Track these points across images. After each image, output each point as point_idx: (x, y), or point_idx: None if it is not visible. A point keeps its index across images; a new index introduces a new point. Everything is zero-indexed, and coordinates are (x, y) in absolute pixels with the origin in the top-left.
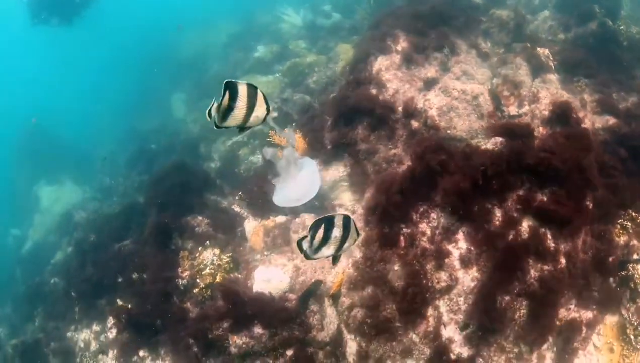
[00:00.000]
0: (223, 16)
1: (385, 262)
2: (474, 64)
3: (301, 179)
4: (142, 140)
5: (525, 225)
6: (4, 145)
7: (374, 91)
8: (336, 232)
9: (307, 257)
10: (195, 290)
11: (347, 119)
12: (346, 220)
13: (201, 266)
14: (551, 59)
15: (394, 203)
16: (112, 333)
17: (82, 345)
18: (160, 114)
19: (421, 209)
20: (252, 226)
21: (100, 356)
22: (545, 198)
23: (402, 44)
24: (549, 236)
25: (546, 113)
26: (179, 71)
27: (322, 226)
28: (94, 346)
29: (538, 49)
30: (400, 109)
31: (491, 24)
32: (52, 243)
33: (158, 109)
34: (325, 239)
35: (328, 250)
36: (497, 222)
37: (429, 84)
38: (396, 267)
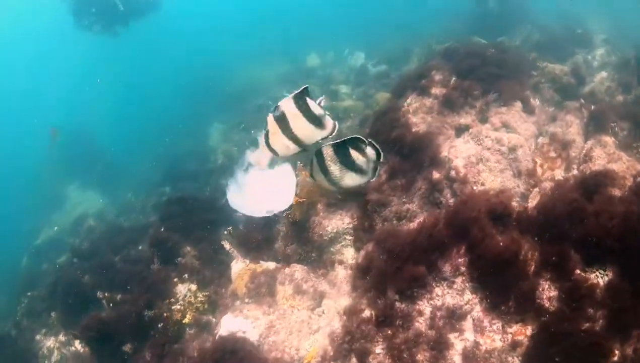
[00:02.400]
0: (279, 53)
1: (367, 340)
2: (518, 118)
3: (272, 181)
4: (173, 163)
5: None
6: (43, 144)
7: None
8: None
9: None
10: (160, 325)
11: None
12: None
13: (172, 300)
14: (608, 119)
15: (397, 267)
16: (76, 347)
17: (45, 351)
18: (196, 139)
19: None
20: (239, 267)
21: None
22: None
23: (437, 87)
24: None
25: None
26: (223, 101)
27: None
28: (55, 356)
29: (593, 107)
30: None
31: (542, 78)
32: (62, 244)
33: (196, 134)
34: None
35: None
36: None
37: (461, 133)
38: (379, 350)
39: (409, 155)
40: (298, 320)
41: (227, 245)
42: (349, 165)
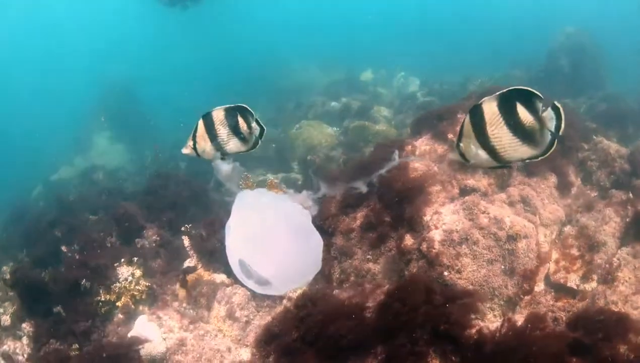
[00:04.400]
0: (340, 61)
1: None
2: (547, 196)
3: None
4: None
5: None
6: (90, 95)
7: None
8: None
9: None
10: (94, 299)
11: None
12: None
13: (112, 278)
14: None
15: (297, 348)
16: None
17: (1, 284)
18: None
19: None
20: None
21: (7, 304)
22: None
23: (457, 131)
24: None
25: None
26: (270, 93)
27: None
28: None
29: None
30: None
31: (592, 155)
32: (70, 186)
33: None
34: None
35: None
36: None
37: (467, 195)
38: None
39: (391, 205)
40: (214, 348)
41: (186, 241)
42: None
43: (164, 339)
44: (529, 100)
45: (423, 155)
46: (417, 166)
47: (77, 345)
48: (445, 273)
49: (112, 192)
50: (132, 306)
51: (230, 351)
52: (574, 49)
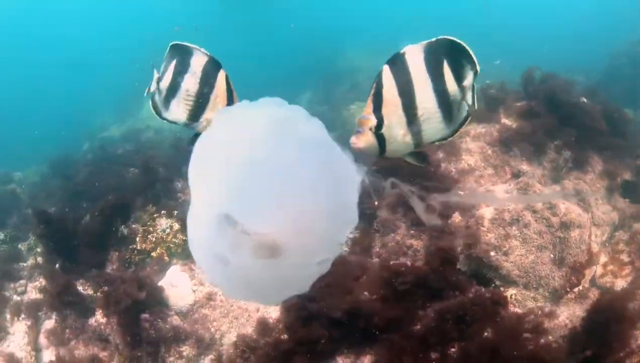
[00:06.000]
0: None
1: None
2: (601, 196)
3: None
4: None
5: None
6: (144, 62)
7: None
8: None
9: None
10: (130, 246)
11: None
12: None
13: (150, 228)
14: None
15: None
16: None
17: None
18: (286, 98)
19: None
20: None
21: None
22: None
23: (509, 118)
24: None
25: None
26: (329, 73)
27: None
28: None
29: None
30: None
31: None
32: (118, 143)
33: (289, 94)
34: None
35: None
36: None
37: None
38: None
39: (441, 180)
40: (242, 307)
41: None
42: (443, 97)
43: (194, 291)
44: (456, 59)
45: (478, 136)
46: (471, 147)
47: (105, 288)
48: (492, 253)
49: (154, 148)
50: (167, 258)
51: (259, 311)
52: (638, 59)
